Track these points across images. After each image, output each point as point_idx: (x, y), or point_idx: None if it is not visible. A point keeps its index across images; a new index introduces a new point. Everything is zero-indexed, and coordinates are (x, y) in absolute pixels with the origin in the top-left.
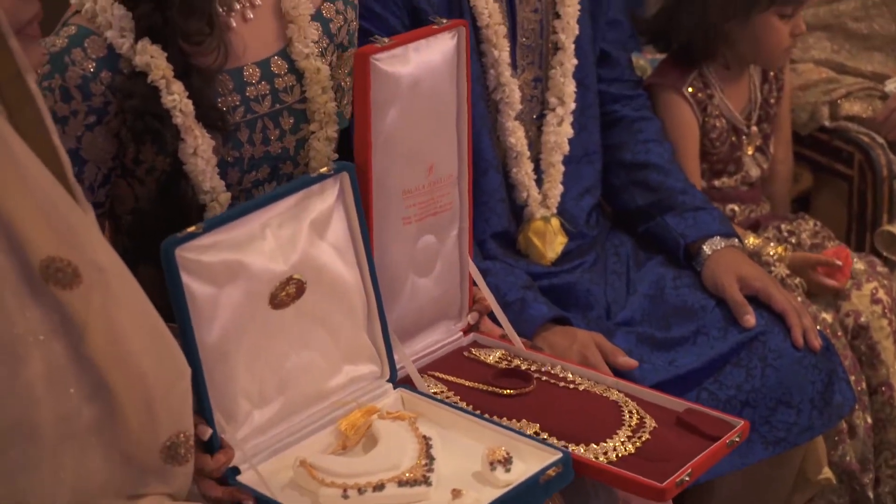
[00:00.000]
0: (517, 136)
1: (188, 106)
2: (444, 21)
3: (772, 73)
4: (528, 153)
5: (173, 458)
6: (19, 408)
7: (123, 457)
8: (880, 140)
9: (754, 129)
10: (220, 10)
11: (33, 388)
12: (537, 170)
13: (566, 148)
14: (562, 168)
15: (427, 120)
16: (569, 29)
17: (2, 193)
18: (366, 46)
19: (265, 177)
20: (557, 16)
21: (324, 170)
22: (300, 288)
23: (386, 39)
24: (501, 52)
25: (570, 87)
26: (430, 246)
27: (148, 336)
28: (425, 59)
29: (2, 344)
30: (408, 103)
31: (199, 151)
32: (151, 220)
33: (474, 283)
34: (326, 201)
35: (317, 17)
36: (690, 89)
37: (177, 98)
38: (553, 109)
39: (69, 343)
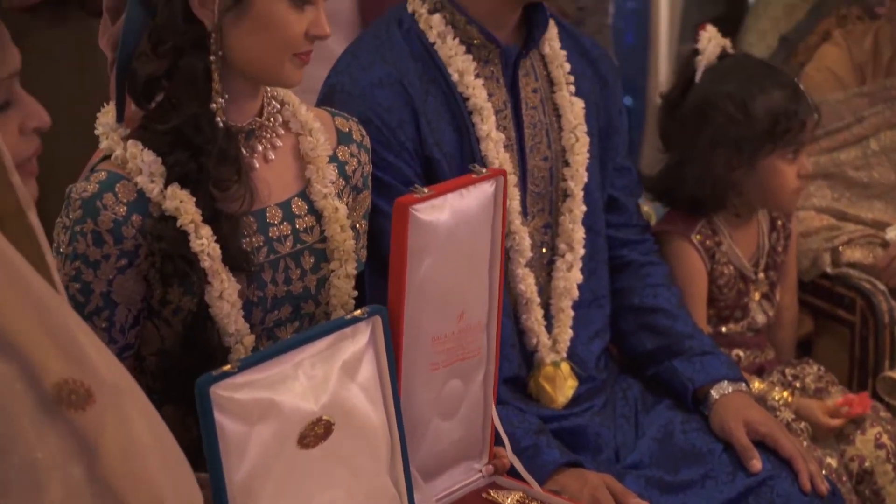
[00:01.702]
0: (527, 283)
1: (216, 250)
2: (484, 171)
3: (780, 222)
4: (538, 300)
5: None
6: None
7: None
8: (882, 286)
9: (762, 275)
10: (245, 152)
11: None
12: (547, 315)
13: (575, 293)
14: (571, 313)
15: (460, 266)
16: (578, 176)
17: (8, 316)
18: (405, 196)
19: (287, 316)
20: (567, 164)
21: (357, 312)
22: (328, 429)
23: (425, 190)
24: (512, 200)
25: (580, 234)
26: (456, 390)
27: (163, 453)
28: (462, 206)
29: (22, 469)
30: (443, 250)
31: (225, 295)
32: (176, 362)
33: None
34: (358, 343)
35: (333, 158)
36: (699, 237)
37: (205, 242)
38: (563, 255)
39: (87, 467)
